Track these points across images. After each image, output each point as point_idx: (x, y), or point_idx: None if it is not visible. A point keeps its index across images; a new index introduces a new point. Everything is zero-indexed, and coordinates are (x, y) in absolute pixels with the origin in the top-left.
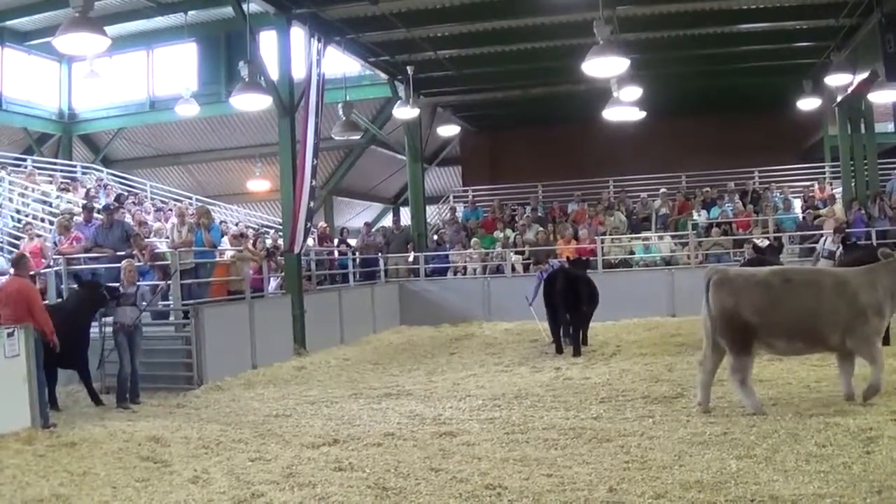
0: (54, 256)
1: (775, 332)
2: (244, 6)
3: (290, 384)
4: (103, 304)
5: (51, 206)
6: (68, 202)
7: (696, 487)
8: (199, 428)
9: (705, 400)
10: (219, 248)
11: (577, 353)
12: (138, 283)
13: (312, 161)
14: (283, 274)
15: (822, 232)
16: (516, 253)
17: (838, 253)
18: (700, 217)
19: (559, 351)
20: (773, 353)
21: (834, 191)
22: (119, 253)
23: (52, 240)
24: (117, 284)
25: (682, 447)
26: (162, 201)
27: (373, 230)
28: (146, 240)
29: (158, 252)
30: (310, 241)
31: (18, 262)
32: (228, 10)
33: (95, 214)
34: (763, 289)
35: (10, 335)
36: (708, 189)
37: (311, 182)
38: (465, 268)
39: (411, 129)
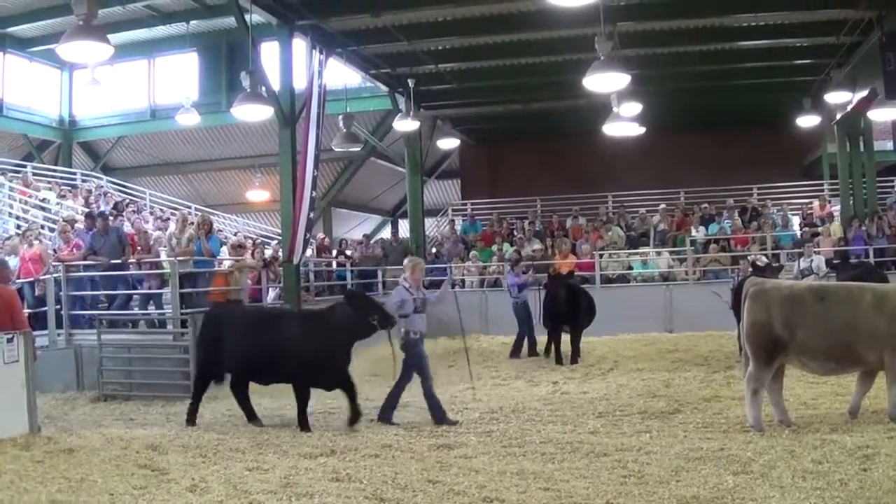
0: (54, 263)
1: (808, 350)
2: (246, 16)
3: (288, 394)
4: (370, 325)
5: (50, 212)
6: (68, 209)
7: (692, 503)
8: (196, 436)
9: (782, 415)
10: (218, 257)
11: (575, 359)
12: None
13: (313, 172)
14: (281, 284)
15: (803, 250)
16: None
17: (823, 272)
18: (698, 233)
19: (559, 362)
20: (806, 370)
21: (833, 208)
22: (114, 261)
23: (52, 246)
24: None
25: (678, 462)
26: (161, 210)
27: (371, 242)
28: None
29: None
30: (308, 252)
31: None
32: (230, 20)
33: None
34: (798, 304)
35: (9, 341)
36: (706, 205)
37: (312, 193)
38: (463, 281)
39: (411, 141)
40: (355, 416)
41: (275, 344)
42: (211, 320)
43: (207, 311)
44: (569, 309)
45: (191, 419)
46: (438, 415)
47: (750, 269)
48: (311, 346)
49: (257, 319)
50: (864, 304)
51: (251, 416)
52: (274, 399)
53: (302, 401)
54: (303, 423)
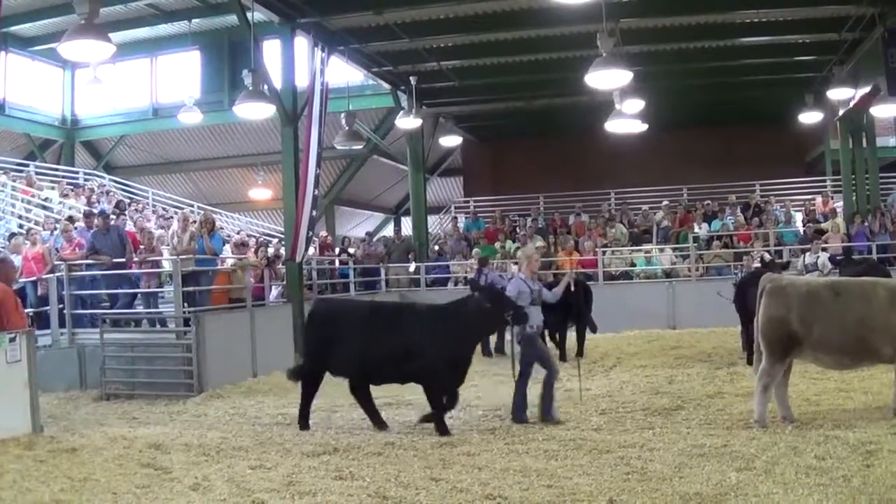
0: (56, 262)
1: (825, 345)
2: (248, 15)
3: (291, 393)
4: (501, 320)
5: (52, 212)
6: (70, 208)
7: (695, 499)
8: (199, 435)
9: (788, 412)
10: (220, 256)
11: (581, 352)
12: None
13: (315, 170)
14: (284, 283)
15: (809, 246)
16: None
17: (827, 269)
18: (701, 230)
19: (563, 359)
20: (820, 365)
21: (835, 204)
22: (116, 259)
23: (55, 245)
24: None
25: (681, 459)
26: (164, 208)
27: (374, 240)
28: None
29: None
30: (311, 251)
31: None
32: (232, 19)
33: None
34: (814, 300)
35: (11, 340)
36: (709, 202)
37: (314, 191)
38: (465, 278)
39: (413, 139)
40: (429, 418)
41: (405, 341)
42: (321, 315)
43: (316, 305)
44: (575, 304)
45: (304, 423)
46: (547, 410)
47: (755, 265)
48: (447, 343)
49: (379, 315)
50: (878, 300)
51: (379, 420)
52: (277, 398)
53: (438, 402)
54: (441, 428)
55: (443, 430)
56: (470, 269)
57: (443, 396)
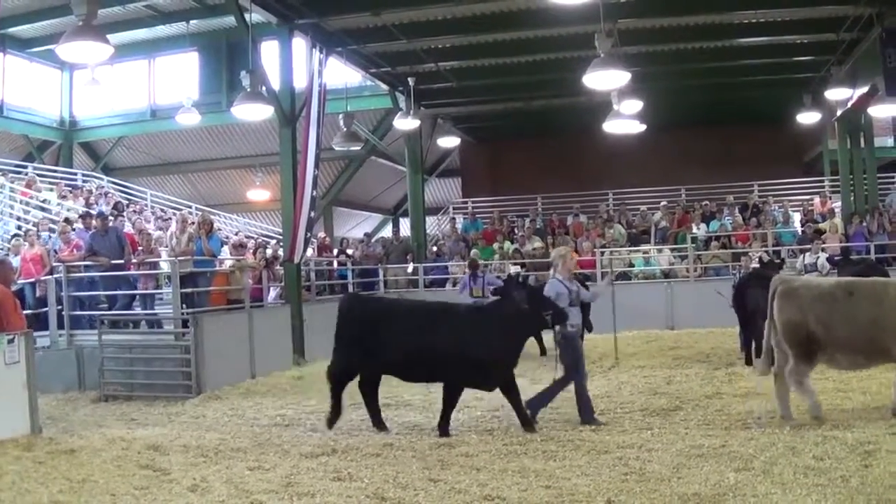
0: (54, 263)
1: (840, 345)
2: (246, 16)
3: (289, 394)
4: (541, 321)
5: (51, 213)
6: (69, 210)
7: (694, 500)
8: (197, 436)
9: (787, 412)
10: (218, 257)
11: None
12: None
13: (313, 171)
14: (282, 284)
15: (807, 246)
16: (515, 264)
17: (826, 269)
18: (699, 230)
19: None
20: (834, 367)
21: (833, 205)
22: (115, 261)
23: (53, 247)
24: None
25: (680, 460)
26: (162, 210)
27: (372, 241)
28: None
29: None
30: (309, 252)
31: None
32: (230, 20)
33: (93, 222)
34: (829, 301)
35: (10, 342)
36: (707, 202)
37: (312, 192)
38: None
39: (412, 140)
40: (525, 421)
41: (446, 341)
42: (352, 312)
43: (345, 302)
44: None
45: (332, 422)
46: (587, 414)
47: (753, 266)
48: (488, 345)
49: (419, 314)
50: (888, 300)
51: (379, 421)
52: (276, 399)
53: (453, 402)
54: (443, 428)
55: (445, 431)
56: (464, 270)
57: (458, 398)
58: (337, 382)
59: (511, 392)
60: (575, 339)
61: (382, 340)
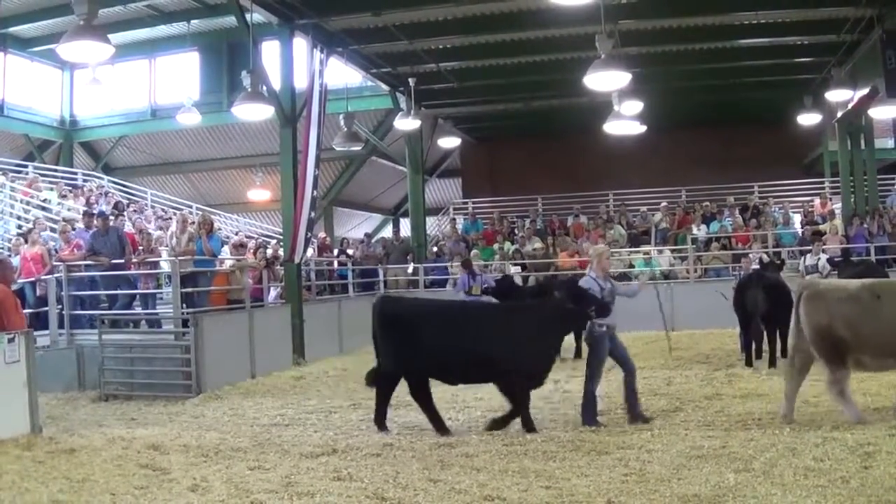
0: (55, 263)
1: (869, 348)
2: (247, 16)
3: (289, 394)
4: (585, 316)
5: (51, 212)
6: (69, 209)
7: (694, 501)
8: (197, 436)
9: (789, 411)
10: (219, 257)
11: (578, 355)
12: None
13: (314, 171)
14: (282, 284)
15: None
16: (515, 265)
17: (827, 270)
18: (699, 231)
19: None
20: (861, 369)
21: (834, 206)
22: (115, 260)
23: (54, 246)
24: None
25: (680, 460)
26: (162, 209)
27: (373, 241)
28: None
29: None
30: (310, 252)
31: None
32: (231, 20)
33: (94, 222)
34: (856, 303)
35: (10, 341)
36: (708, 203)
37: (313, 192)
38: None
39: (412, 140)
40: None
41: (495, 342)
42: (396, 314)
43: (385, 303)
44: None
45: (381, 424)
46: (589, 417)
47: (753, 267)
48: (536, 344)
49: (462, 314)
50: None
51: (441, 425)
52: (276, 399)
53: (525, 401)
54: (529, 426)
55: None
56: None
57: (529, 393)
58: (387, 386)
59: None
60: (604, 338)
61: (435, 342)
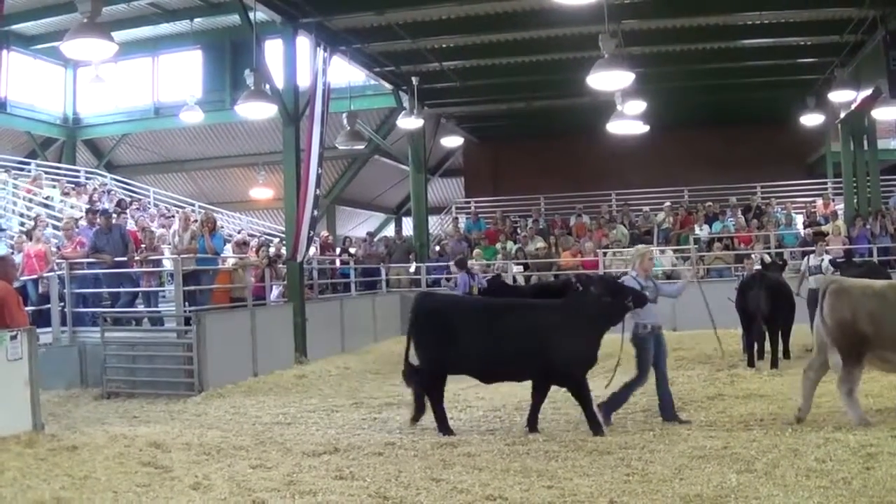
0: (58, 260)
1: (888, 345)
2: (250, 14)
3: (291, 392)
4: (623, 308)
5: (54, 210)
6: (72, 207)
7: (696, 501)
8: (199, 434)
9: (806, 409)
10: (221, 255)
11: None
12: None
13: (317, 170)
14: (285, 282)
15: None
16: (518, 265)
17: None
18: (702, 231)
19: None
20: (883, 369)
21: (836, 207)
22: (118, 258)
23: (56, 244)
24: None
25: (682, 461)
26: (165, 207)
27: (375, 240)
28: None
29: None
30: (312, 250)
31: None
32: (234, 18)
33: (97, 219)
34: (879, 301)
35: (12, 338)
36: (710, 203)
37: (315, 191)
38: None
39: (415, 139)
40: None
41: (538, 339)
42: (437, 312)
43: (426, 301)
44: None
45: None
46: (607, 413)
47: (756, 268)
48: (580, 339)
49: (503, 311)
50: None
51: (446, 425)
52: (278, 397)
53: (586, 395)
54: (595, 426)
55: (598, 429)
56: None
57: (588, 387)
58: (437, 386)
59: (547, 390)
60: (648, 339)
61: (480, 341)
